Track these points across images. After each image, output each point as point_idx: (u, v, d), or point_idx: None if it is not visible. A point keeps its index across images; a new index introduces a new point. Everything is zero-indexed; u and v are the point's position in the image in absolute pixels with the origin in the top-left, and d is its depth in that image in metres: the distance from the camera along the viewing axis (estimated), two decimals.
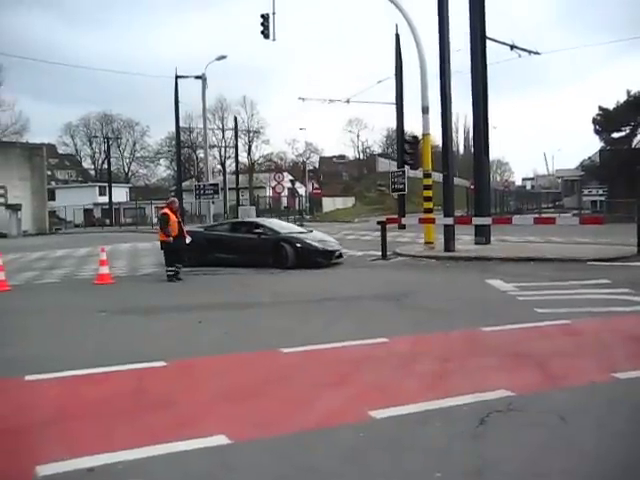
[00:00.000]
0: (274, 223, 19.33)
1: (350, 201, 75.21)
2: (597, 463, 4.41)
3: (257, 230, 17.63)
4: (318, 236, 18.11)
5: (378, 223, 18.82)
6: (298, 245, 16.78)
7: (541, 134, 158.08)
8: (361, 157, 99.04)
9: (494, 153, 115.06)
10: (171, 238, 14.48)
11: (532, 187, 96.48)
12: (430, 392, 6.01)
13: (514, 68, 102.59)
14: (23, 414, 5.54)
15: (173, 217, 14.58)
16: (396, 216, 24.71)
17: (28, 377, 6.59)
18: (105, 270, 14.74)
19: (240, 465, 4.42)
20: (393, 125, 33.78)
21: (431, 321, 9.68)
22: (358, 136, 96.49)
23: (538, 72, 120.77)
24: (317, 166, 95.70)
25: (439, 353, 7.52)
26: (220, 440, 4.81)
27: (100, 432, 5.04)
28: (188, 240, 15.11)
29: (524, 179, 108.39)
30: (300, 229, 19.60)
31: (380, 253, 18.45)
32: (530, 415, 5.38)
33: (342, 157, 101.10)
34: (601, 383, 6.25)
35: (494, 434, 4.97)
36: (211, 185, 37.21)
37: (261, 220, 20.52)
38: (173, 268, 14.50)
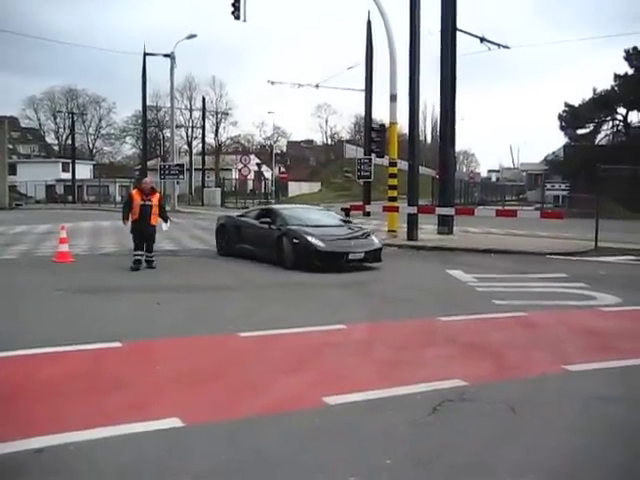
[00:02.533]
0: (295, 212, 15.75)
1: (316, 186, 75.20)
2: (544, 455, 4.49)
3: (265, 219, 14.87)
4: (337, 232, 14.31)
5: (342, 210, 18.85)
6: (295, 241, 13.54)
7: (508, 127, 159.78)
8: (329, 142, 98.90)
9: (461, 144, 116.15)
10: (126, 222, 13.56)
11: (497, 179, 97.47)
12: (385, 380, 6.07)
13: (485, 61, 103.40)
14: None
15: (137, 199, 13.28)
16: (361, 203, 24.74)
17: None
18: (65, 248, 14.52)
19: (193, 448, 4.41)
20: (362, 112, 33.76)
21: (390, 309, 9.77)
22: (326, 121, 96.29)
23: (508, 66, 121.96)
24: (285, 150, 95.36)
25: (396, 341, 7.59)
26: (173, 423, 4.80)
27: (51, 413, 4.99)
28: (165, 227, 13.91)
29: (489, 171, 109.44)
30: (337, 221, 15.54)
31: None
32: (482, 405, 5.47)
33: (310, 142, 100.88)
34: (552, 375, 6.40)
35: (445, 423, 5.04)
36: (176, 165, 36.92)
37: (277, 207, 16.96)
38: (137, 254, 13.32)
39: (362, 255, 13.55)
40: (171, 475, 4.00)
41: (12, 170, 59.98)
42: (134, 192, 13.72)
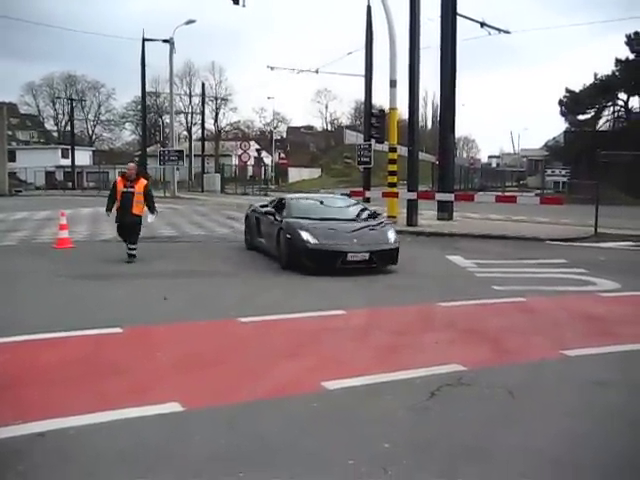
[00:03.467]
0: (306, 202, 13.48)
1: (316, 172, 75.04)
2: (541, 439, 4.52)
3: (270, 210, 13.26)
4: (343, 226, 11.98)
5: (350, 194, 18.82)
6: (288, 236, 11.56)
7: (509, 113, 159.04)
8: (329, 128, 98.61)
9: (462, 130, 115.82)
10: (108, 212, 12.60)
11: (497, 165, 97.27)
12: (383, 365, 6.11)
13: (485, 46, 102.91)
14: None
15: (120, 186, 12.23)
16: (361, 189, 24.70)
17: None
18: (65, 234, 14.52)
19: (192, 433, 4.44)
20: (362, 97, 33.54)
21: (389, 295, 9.79)
22: (326, 107, 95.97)
23: (509, 52, 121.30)
24: (285, 136, 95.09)
25: (395, 327, 7.61)
26: (173, 407, 4.83)
27: (52, 398, 5.02)
28: (150, 219, 12.79)
29: (490, 157, 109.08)
30: (354, 213, 13.06)
31: None
32: (480, 390, 5.50)
33: (310, 128, 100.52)
34: (551, 360, 6.42)
35: (443, 408, 5.07)
36: (176, 151, 36.85)
37: (289, 196, 14.23)
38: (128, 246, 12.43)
39: (366, 256, 11.10)
40: (170, 459, 4.03)
41: (11, 157, 59.81)
42: (119, 179, 12.58)
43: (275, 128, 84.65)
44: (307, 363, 6.11)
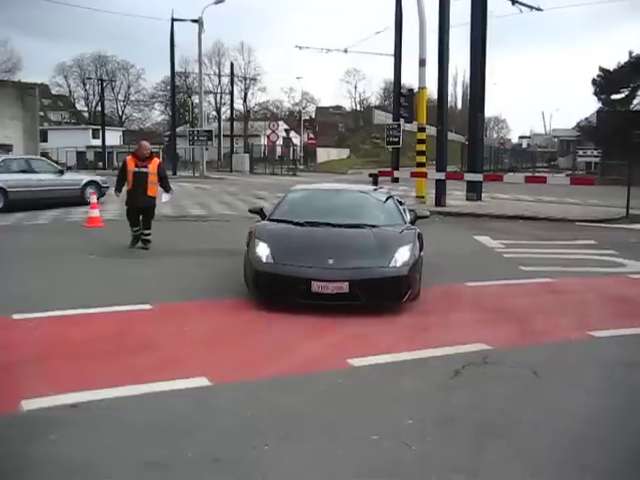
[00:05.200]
0: (314, 195, 9.97)
1: (345, 152, 74.84)
2: (564, 417, 4.55)
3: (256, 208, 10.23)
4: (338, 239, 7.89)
5: (370, 175, 18.81)
6: (246, 248, 8.20)
7: (541, 93, 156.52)
8: (358, 108, 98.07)
9: (492, 110, 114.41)
10: (117, 193, 11.83)
11: (528, 145, 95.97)
12: (409, 343, 6.17)
13: (518, 24, 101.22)
14: (10, 351, 5.64)
15: (131, 166, 11.24)
16: (389, 169, 24.63)
17: (15, 316, 6.70)
18: (95, 213, 14.74)
19: (218, 406, 4.55)
20: (391, 77, 33.34)
21: None
22: (355, 87, 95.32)
23: (541, 29, 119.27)
24: (313, 116, 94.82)
25: (421, 306, 7.63)
26: (201, 382, 4.94)
27: (84, 371, 5.16)
28: (165, 198, 11.80)
29: (521, 137, 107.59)
30: (375, 206, 9.09)
31: None
32: (504, 368, 5.54)
33: (339, 108, 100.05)
34: (577, 340, 6.42)
35: (467, 385, 5.12)
36: (205, 131, 37.03)
37: (297, 187, 10.72)
38: (133, 230, 11.52)
39: (344, 287, 7.07)
40: (197, 431, 4.13)
41: (43, 137, 60.50)
42: (129, 158, 11.51)
43: (304, 108, 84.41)
44: (333, 340, 6.19)
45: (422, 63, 19.25)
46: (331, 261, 7.30)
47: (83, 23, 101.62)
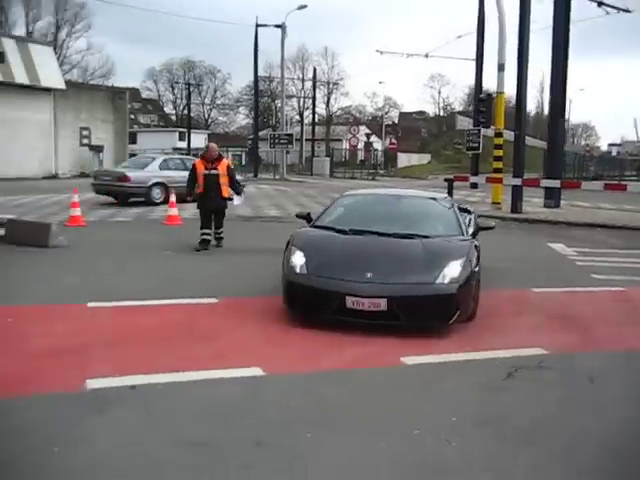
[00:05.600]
0: (365, 200, 9.25)
1: (426, 158, 74.26)
2: (612, 425, 4.48)
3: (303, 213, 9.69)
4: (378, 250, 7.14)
5: (445, 180, 18.70)
6: (284, 256, 7.44)
7: (633, 99, 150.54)
8: (441, 114, 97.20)
9: (581, 116, 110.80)
10: (189, 197, 11.71)
11: (618, 153, 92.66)
12: (466, 345, 6.18)
13: (607, 28, 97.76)
14: (81, 336, 6.01)
15: (201, 169, 11.20)
16: (465, 175, 24.38)
17: (90, 304, 7.12)
18: (174, 212, 15.26)
19: (267, 394, 4.75)
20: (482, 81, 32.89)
21: (484, 278, 9.64)
22: (439, 92, 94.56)
23: (631, 32, 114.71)
24: (396, 121, 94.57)
25: (484, 310, 7.54)
26: (255, 372, 5.14)
27: (146, 356, 5.46)
28: (237, 201, 11.69)
29: (610, 145, 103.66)
30: (434, 215, 8.30)
31: None
32: (559, 374, 5.49)
33: (422, 113, 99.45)
34: (639, 351, 6.26)
35: (518, 388, 5.12)
36: (286, 135, 37.56)
37: (350, 193, 9.87)
38: (203, 232, 11.39)
39: (382, 304, 6.35)
40: (245, 417, 4.32)
41: (133, 139, 62.79)
42: (197, 161, 11.57)
43: (386, 113, 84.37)
44: (390, 339, 6.23)
45: (501, 68, 19.00)
46: (369, 274, 6.53)
47: (174, 29, 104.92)
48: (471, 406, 4.72)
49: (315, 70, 62.30)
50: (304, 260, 6.83)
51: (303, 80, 75.11)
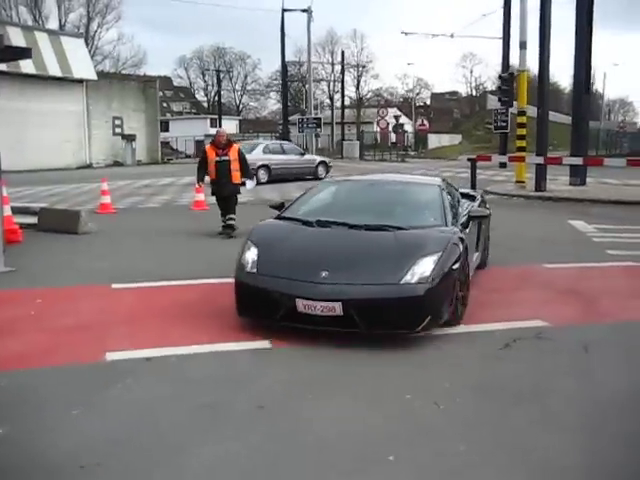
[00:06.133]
0: (354, 187, 8.31)
1: (457, 139, 73.74)
2: (600, 389, 4.71)
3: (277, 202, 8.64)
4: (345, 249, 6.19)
5: (468, 160, 18.79)
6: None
7: None
8: (473, 94, 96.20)
9: (617, 92, 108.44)
10: (201, 183, 11.83)
11: None
12: (467, 317, 6.36)
13: None
14: (104, 314, 6.44)
15: (212, 155, 11.08)
16: (489, 154, 24.33)
17: (114, 285, 7.55)
18: (201, 197, 15.64)
19: (274, 364, 5.08)
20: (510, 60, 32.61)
21: (498, 255, 9.74)
22: (471, 72, 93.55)
23: None
24: (428, 102, 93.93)
25: (492, 284, 7.81)
26: (263, 345, 5.48)
27: (162, 332, 5.84)
28: (250, 185, 11.64)
29: None
30: (425, 204, 7.31)
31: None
32: (556, 344, 5.69)
33: (454, 93, 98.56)
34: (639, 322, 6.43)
35: (514, 357, 5.37)
36: (314, 119, 37.77)
37: (338, 179, 9.69)
38: (223, 219, 11.43)
39: (337, 308, 5.48)
40: (247, 383, 4.67)
41: (165, 127, 63.62)
42: (208, 147, 11.40)
43: (417, 94, 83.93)
44: None
45: (522, 46, 18.96)
46: (324, 274, 5.67)
47: (203, 17, 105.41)
48: (466, 373, 4.99)
49: (343, 53, 62.19)
50: (256, 257, 6.03)
51: (333, 64, 75.05)
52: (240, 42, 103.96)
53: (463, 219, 7.17)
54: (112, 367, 4.97)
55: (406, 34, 45.10)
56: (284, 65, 44.99)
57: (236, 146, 11.44)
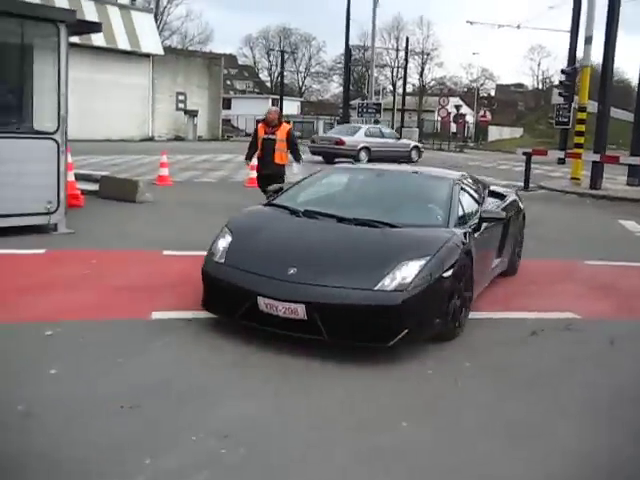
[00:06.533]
0: (360, 176, 7.70)
1: (518, 132, 72.56)
2: (616, 380, 4.86)
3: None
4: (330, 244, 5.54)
5: (523, 154, 18.67)
6: None
7: None
8: (540, 87, 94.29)
9: None
10: (248, 161, 11.47)
11: None
12: (500, 305, 6.60)
13: None
14: (153, 277, 6.86)
15: (261, 133, 10.80)
16: (544, 149, 24.06)
17: (165, 252, 7.99)
18: (255, 174, 16.00)
19: None
20: (580, 54, 32.03)
21: (541, 249, 9.76)
22: (539, 65, 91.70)
23: None
24: (493, 93, 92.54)
25: (531, 277, 7.94)
26: None
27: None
28: (296, 169, 10.86)
29: None
30: (439, 200, 6.45)
31: (523, 184, 18.38)
32: (582, 336, 5.83)
33: (520, 85, 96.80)
34: None
35: (538, 344, 5.54)
36: (374, 104, 37.82)
37: (345, 166, 9.41)
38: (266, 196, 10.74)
39: (299, 310, 4.86)
40: (277, 339, 4.99)
41: (227, 104, 64.39)
42: (260, 125, 11.12)
43: (481, 85, 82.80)
44: None
45: (588, 41, 18.65)
46: (292, 270, 5.07)
47: None
48: (486, 356, 5.20)
49: (408, 40, 61.65)
50: (228, 246, 5.55)
51: (397, 50, 74.65)
52: (306, 23, 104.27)
53: (475, 221, 6.31)
54: (156, 325, 5.37)
55: (471, 23, 44.60)
56: (348, 49, 44.95)
57: (286, 126, 11.15)
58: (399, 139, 29.27)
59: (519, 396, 4.46)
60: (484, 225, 6.33)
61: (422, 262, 5.09)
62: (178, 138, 42.29)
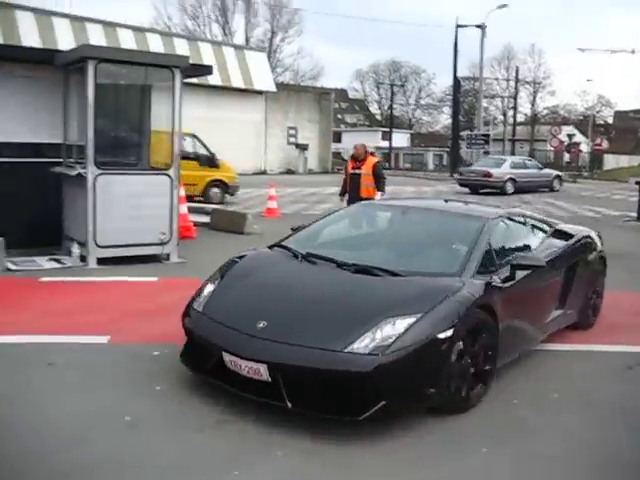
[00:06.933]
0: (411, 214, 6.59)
1: (637, 160, 69.42)
2: None
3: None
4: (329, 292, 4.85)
5: (636, 183, 17.96)
6: None
7: None
8: None
9: None
10: (342, 197, 11.40)
11: None
12: (602, 338, 6.58)
13: None
14: None
15: (349, 168, 11.05)
16: None
17: None
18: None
19: None
20: None
21: (630, 280, 9.39)
22: None
23: None
24: (610, 121, 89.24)
25: (634, 309, 7.78)
26: None
27: None
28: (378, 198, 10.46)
29: None
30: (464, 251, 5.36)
31: (637, 214, 17.66)
32: None
33: None
34: None
35: (631, 379, 5.48)
36: (482, 135, 37.56)
37: (388, 202, 8.73)
38: None
39: (262, 371, 4.23)
40: None
41: (337, 138, 65.68)
42: (349, 161, 11.35)
43: (598, 112, 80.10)
44: None
45: None
46: (262, 324, 4.48)
47: (380, 31, 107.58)
48: (576, 385, 5.24)
49: (517, 69, 61.10)
50: (210, 293, 5.10)
51: (508, 80, 73.62)
52: (416, 56, 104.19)
53: (505, 272, 5.26)
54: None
55: (582, 50, 43.37)
56: (456, 81, 45.02)
57: (372, 159, 11.05)
58: (541, 169, 30.04)
59: (604, 426, 4.46)
60: (521, 274, 5.31)
61: (411, 320, 4.31)
62: (289, 171, 43.48)
